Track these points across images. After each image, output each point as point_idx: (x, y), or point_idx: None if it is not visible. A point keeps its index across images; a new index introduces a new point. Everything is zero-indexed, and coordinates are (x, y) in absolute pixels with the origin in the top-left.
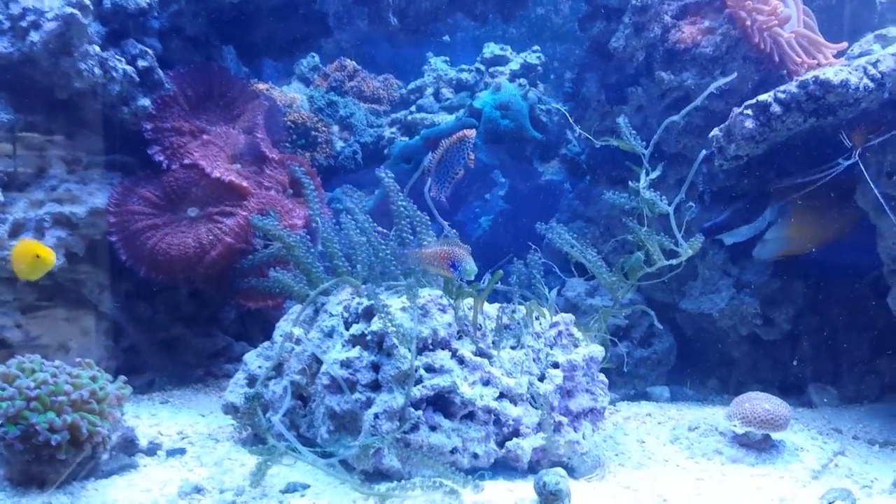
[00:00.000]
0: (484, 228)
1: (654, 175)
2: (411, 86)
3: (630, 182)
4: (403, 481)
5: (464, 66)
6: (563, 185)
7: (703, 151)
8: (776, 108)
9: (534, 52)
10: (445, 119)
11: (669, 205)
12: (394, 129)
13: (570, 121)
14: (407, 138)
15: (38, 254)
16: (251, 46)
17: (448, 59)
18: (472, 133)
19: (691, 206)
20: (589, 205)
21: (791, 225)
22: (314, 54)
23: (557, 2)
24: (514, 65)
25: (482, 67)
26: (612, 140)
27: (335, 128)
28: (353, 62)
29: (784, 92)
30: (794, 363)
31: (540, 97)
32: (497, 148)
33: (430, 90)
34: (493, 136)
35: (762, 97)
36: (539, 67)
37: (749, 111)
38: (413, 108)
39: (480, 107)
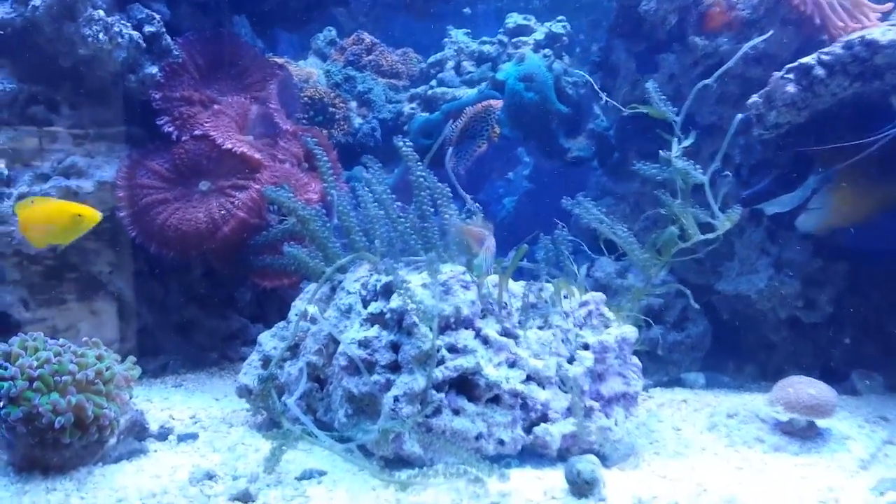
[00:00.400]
0: (508, 210)
1: (686, 143)
2: (431, 59)
3: (661, 151)
4: (425, 468)
5: (485, 39)
6: (590, 162)
7: (739, 116)
8: (819, 71)
9: (559, 21)
10: (467, 93)
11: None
12: (413, 105)
13: (596, 88)
14: (427, 114)
15: (79, 213)
16: (264, 15)
17: (469, 31)
18: (498, 104)
19: (727, 175)
20: (618, 181)
21: (836, 193)
22: (331, 28)
23: None
24: (539, 35)
25: (505, 39)
26: (641, 107)
27: (353, 104)
28: (371, 36)
29: (828, 54)
30: (837, 348)
31: (566, 69)
32: (521, 122)
33: (450, 63)
34: (517, 109)
35: (805, 60)
36: (564, 38)
37: (791, 75)
38: (433, 82)
39: (503, 79)
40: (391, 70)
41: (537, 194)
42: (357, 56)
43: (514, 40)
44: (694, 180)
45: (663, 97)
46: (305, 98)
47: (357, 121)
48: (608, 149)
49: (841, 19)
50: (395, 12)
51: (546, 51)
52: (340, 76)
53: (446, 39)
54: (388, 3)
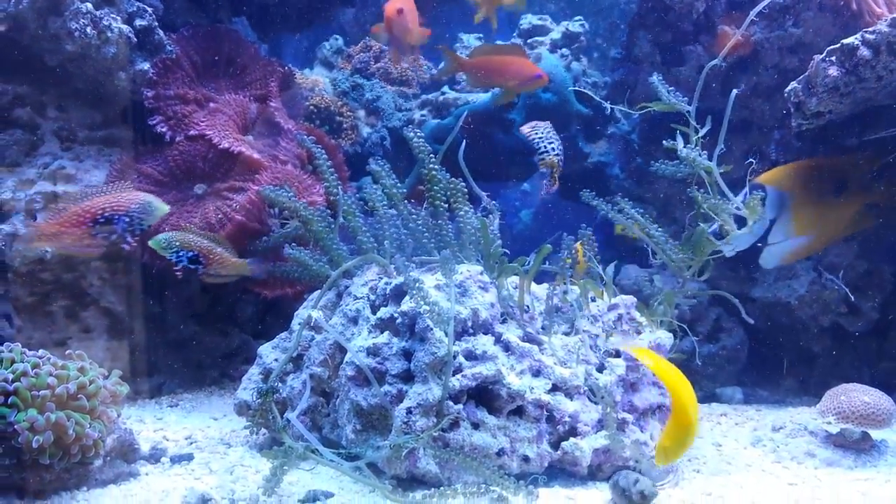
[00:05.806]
0: (525, 223)
1: (702, 133)
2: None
3: (664, 141)
4: (442, 488)
5: (499, 42)
6: (612, 168)
7: (734, 91)
8: (864, 52)
9: (576, 20)
10: (480, 98)
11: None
12: (424, 112)
13: (601, 101)
14: (439, 120)
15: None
16: (265, 15)
17: (482, 35)
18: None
19: (752, 162)
20: (643, 185)
21: (796, 219)
22: (337, 36)
23: None
24: (556, 34)
25: (519, 42)
26: (651, 105)
27: (361, 112)
28: (379, 43)
29: (873, 33)
30: (884, 358)
31: (585, 69)
32: None
33: None
34: (534, 111)
35: (847, 40)
36: (582, 38)
37: (833, 57)
38: (444, 87)
39: None
40: (400, 77)
41: (556, 204)
42: (365, 64)
43: (529, 41)
44: (701, 167)
45: (671, 89)
46: (311, 107)
47: (365, 130)
48: (631, 153)
49: (879, 5)
50: None
51: (563, 50)
52: (347, 84)
53: (457, 45)
54: None
